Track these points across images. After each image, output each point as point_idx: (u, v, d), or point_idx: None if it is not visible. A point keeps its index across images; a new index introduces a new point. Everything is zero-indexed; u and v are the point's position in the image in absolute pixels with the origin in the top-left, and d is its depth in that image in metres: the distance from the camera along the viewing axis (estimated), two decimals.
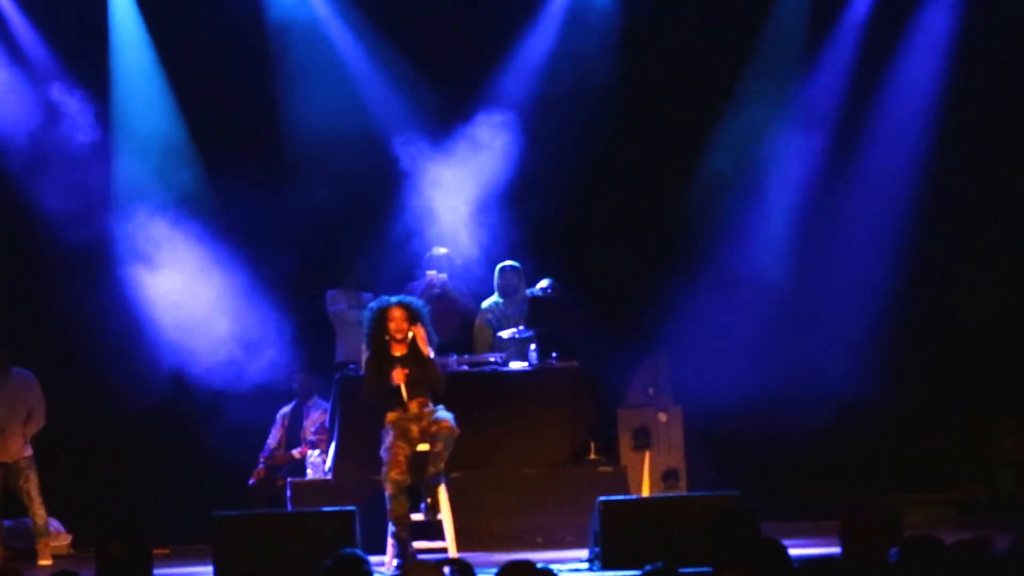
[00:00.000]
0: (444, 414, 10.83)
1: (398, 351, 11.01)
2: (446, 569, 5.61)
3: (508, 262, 13.18)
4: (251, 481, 13.06)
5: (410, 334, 10.98)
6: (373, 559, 10.18)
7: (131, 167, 13.95)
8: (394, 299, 11.14)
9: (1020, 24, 13.90)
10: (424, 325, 11.03)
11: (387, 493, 10.60)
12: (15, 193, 13.62)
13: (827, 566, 6.71)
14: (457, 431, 10.77)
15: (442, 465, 10.78)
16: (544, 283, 12.90)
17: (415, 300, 11.27)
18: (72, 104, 13.58)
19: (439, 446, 10.73)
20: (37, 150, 13.55)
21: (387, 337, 10.99)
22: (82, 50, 14.00)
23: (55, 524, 13.20)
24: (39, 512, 12.67)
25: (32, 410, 12.68)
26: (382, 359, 10.98)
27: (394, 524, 10.52)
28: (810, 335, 14.03)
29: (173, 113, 14.22)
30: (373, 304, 11.24)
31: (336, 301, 13.45)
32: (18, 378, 12.72)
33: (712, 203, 14.26)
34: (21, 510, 12.87)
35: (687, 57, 14.30)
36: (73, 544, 13.30)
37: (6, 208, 13.79)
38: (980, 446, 14.00)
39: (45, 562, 12.54)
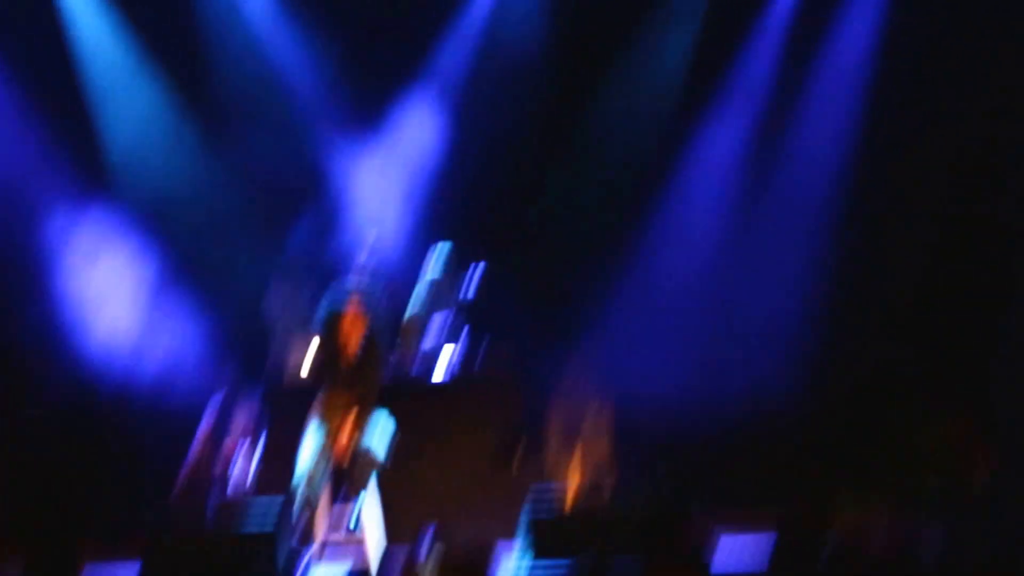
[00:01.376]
0: (371, 444, 10.69)
1: (351, 346, 10.82)
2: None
3: (441, 244, 13.06)
4: (174, 494, 12.91)
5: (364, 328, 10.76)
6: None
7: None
8: (350, 289, 10.98)
9: (947, 8, 13.90)
10: (376, 323, 10.83)
11: (294, 506, 10.52)
12: None
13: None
14: (382, 463, 10.64)
15: (365, 487, 10.67)
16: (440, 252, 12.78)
17: (370, 297, 11.03)
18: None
19: (364, 472, 10.61)
20: None
21: (338, 336, 10.79)
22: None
23: None
24: None
25: None
26: (331, 350, 10.77)
27: (293, 535, 10.42)
28: (739, 326, 14.02)
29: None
30: (329, 295, 10.99)
31: (270, 299, 13.32)
32: None
33: (644, 192, 14.20)
34: None
35: (624, 36, 14.23)
36: None
37: None
38: (908, 441, 14.02)
39: None
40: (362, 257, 13.20)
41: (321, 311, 10.83)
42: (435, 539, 5.48)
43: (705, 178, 14.21)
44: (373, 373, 10.77)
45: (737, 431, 13.86)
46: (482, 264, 12.87)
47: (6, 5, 13.69)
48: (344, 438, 10.60)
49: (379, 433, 10.69)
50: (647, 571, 6.01)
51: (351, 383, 10.71)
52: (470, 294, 12.74)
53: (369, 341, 10.71)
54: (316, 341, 10.99)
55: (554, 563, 9.70)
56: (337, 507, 10.76)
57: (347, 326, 10.67)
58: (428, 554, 5.51)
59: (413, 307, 13.05)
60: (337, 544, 10.72)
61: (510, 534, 10.94)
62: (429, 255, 13.06)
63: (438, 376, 12.37)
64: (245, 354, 13.42)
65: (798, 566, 6.58)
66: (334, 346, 10.73)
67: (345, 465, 10.68)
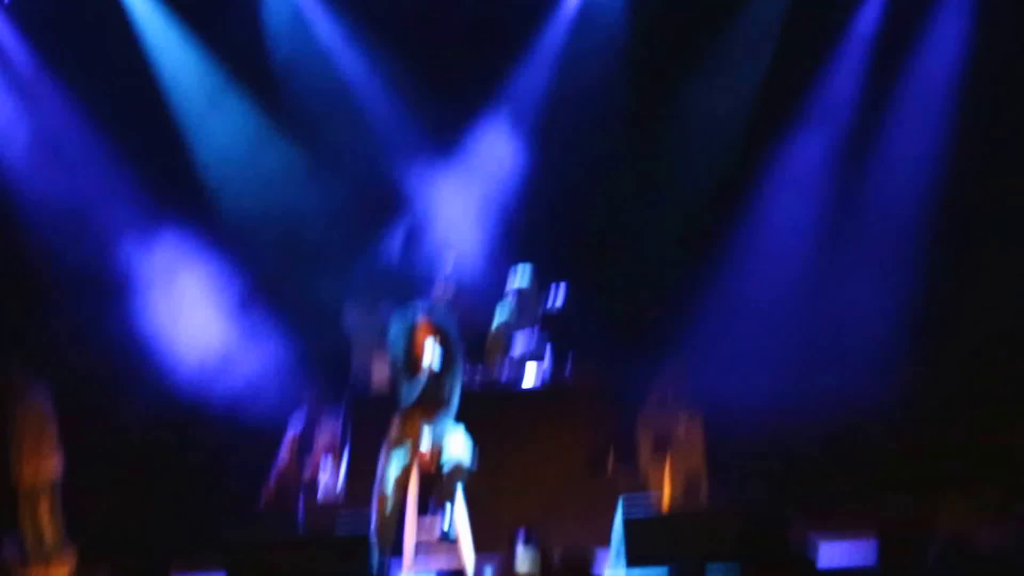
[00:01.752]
0: (456, 451, 10.51)
1: (419, 365, 10.64)
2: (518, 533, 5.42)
3: (522, 265, 12.94)
4: (261, 501, 12.83)
5: (435, 348, 10.63)
6: None
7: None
8: (421, 309, 10.78)
9: None
10: (451, 335, 10.68)
11: (373, 522, 10.37)
12: (17, 210, 13.43)
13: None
14: (471, 470, 10.50)
15: (453, 498, 10.52)
16: (561, 289, 12.62)
17: (442, 309, 10.89)
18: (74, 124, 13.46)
19: (452, 485, 10.47)
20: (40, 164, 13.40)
21: (413, 352, 10.65)
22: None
23: None
24: (46, 532, 12.54)
25: (31, 435, 12.56)
26: (408, 373, 10.64)
27: (376, 547, 10.24)
28: (829, 336, 13.84)
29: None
30: (399, 315, 10.83)
31: (350, 313, 13.26)
32: (24, 405, 12.60)
33: (726, 206, 14.05)
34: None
35: (699, 55, 14.11)
36: (81, 561, 13.05)
37: (9, 229, 13.59)
38: (1004, 443, 13.82)
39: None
40: (441, 276, 13.10)
41: (394, 328, 10.70)
42: (530, 544, 5.32)
43: (793, 186, 14.06)
44: (450, 386, 10.60)
45: (833, 436, 13.67)
46: (564, 283, 12.71)
47: (90, 34, 13.74)
48: (426, 449, 10.44)
49: (462, 443, 10.52)
50: None
51: (428, 397, 10.51)
52: (553, 311, 12.61)
53: (445, 355, 10.56)
54: (388, 357, 10.85)
55: (650, 571, 9.50)
56: (427, 518, 10.59)
57: (419, 342, 10.53)
58: (524, 560, 5.34)
59: (497, 322, 12.91)
60: (429, 549, 10.55)
61: (604, 541, 10.75)
62: (511, 274, 12.94)
63: (527, 386, 12.21)
64: (330, 366, 13.35)
65: (905, 567, 6.36)
66: (407, 362, 10.57)
67: (431, 474, 10.50)
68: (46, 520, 12.65)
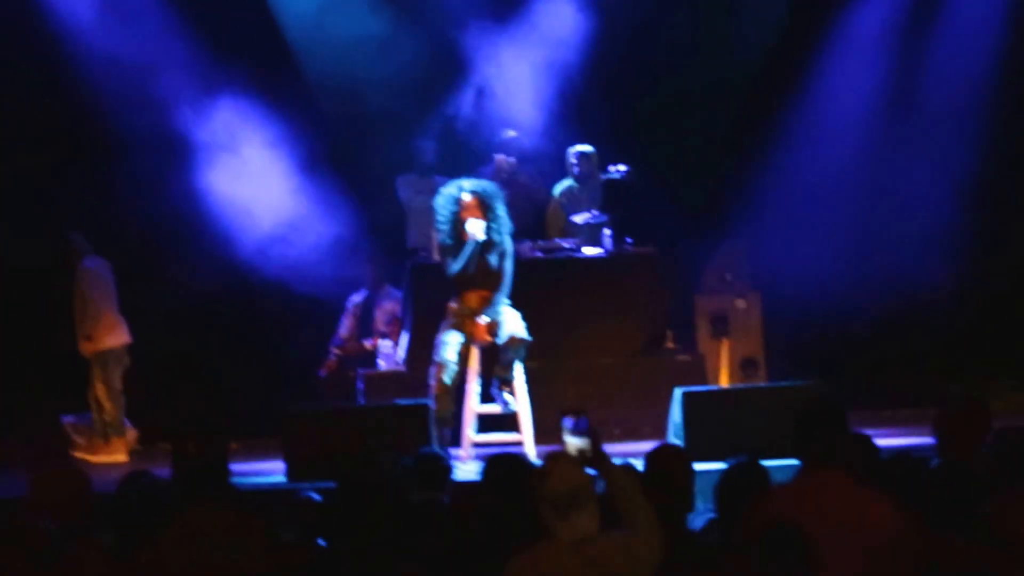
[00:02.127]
0: (512, 324, 10.49)
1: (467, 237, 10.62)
2: (568, 420, 5.40)
3: (581, 146, 12.85)
4: (321, 373, 12.89)
5: (483, 222, 10.59)
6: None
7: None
8: (467, 186, 10.74)
9: None
10: (497, 212, 10.65)
11: (432, 393, 10.40)
12: (81, 75, 13.39)
13: (915, 459, 6.53)
14: (527, 340, 10.49)
15: (513, 374, 10.54)
16: (621, 167, 12.52)
17: (489, 186, 10.86)
18: None
19: (509, 356, 10.49)
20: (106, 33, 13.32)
21: (461, 225, 10.63)
22: None
23: None
24: (105, 407, 12.64)
25: (86, 303, 12.60)
26: (456, 249, 10.64)
27: (433, 424, 10.26)
28: (890, 221, 13.70)
29: None
30: (445, 190, 10.79)
31: (405, 187, 13.24)
32: (81, 272, 12.64)
33: (793, 86, 13.88)
34: (85, 405, 12.81)
35: None
36: (140, 440, 13.17)
37: (72, 94, 13.56)
38: None
39: (110, 458, 12.49)
40: (501, 151, 13.02)
41: (440, 203, 10.64)
42: (579, 431, 5.31)
43: (853, 60, 13.79)
44: (501, 262, 10.58)
45: (892, 319, 13.60)
46: (622, 164, 12.57)
47: None
48: (483, 323, 10.44)
49: (518, 317, 10.52)
50: (804, 465, 5.78)
51: (482, 274, 10.52)
52: (613, 188, 12.49)
53: (493, 232, 10.51)
54: (437, 235, 10.80)
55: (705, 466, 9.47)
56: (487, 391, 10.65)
57: (464, 218, 10.48)
58: (572, 447, 5.32)
59: (556, 199, 12.86)
60: (489, 422, 10.60)
61: (659, 420, 10.78)
62: (569, 155, 12.85)
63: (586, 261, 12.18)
64: (393, 237, 13.35)
65: (960, 455, 6.33)
66: (452, 236, 10.53)
67: (490, 347, 10.53)
68: (100, 395, 12.66)
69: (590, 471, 5.27)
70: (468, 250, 10.49)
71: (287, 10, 13.88)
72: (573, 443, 5.36)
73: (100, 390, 12.63)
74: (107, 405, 12.64)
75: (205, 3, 13.51)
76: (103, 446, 12.61)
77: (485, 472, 6.41)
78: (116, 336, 12.69)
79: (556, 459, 5.28)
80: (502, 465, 6.38)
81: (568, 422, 5.41)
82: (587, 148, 12.84)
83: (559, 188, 12.89)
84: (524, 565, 5.20)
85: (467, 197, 10.58)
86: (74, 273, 12.70)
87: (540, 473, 5.25)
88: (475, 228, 10.47)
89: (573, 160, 12.82)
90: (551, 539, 5.17)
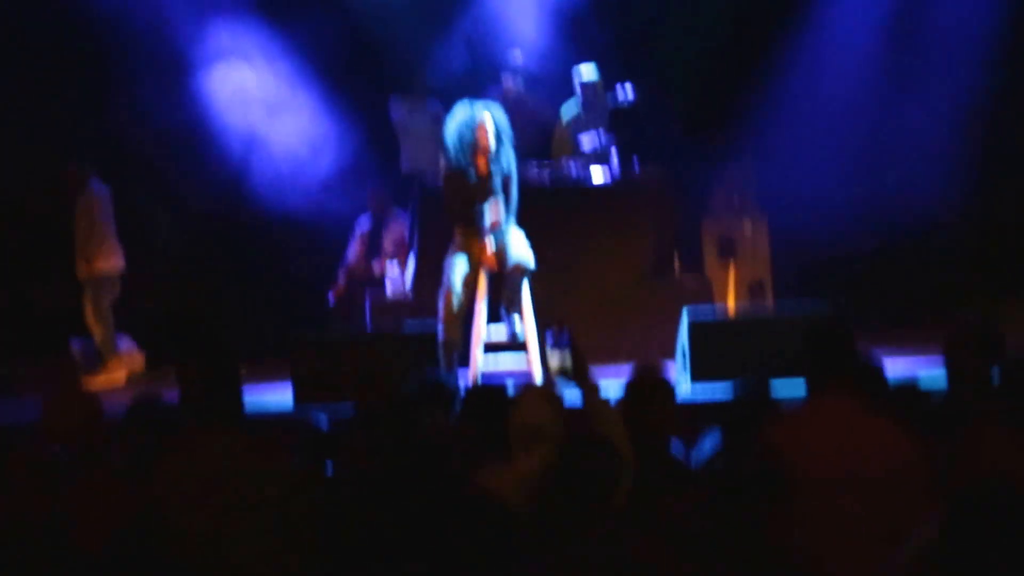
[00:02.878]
0: (518, 251, 10.44)
1: (482, 163, 10.50)
2: (549, 332, 5.41)
3: (585, 68, 12.76)
4: (330, 297, 12.90)
5: (494, 146, 10.51)
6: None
7: None
8: (482, 108, 10.53)
9: None
10: (507, 136, 10.56)
11: (440, 318, 10.34)
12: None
13: (923, 391, 6.53)
14: (532, 267, 10.46)
15: (520, 299, 10.52)
16: (628, 89, 12.43)
17: (499, 110, 10.69)
18: None
19: (514, 282, 10.45)
20: None
21: (475, 149, 10.47)
22: None
23: (127, 343, 13.13)
24: (94, 330, 12.64)
25: (91, 226, 12.59)
26: (467, 173, 10.55)
27: (441, 349, 10.26)
28: (898, 143, 13.65)
29: None
30: (460, 113, 10.52)
31: (398, 108, 13.14)
32: (85, 196, 12.61)
33: (799, 8, 13.79)
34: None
35: None
36: (148, 363, 13.21)
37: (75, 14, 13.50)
38: None
39: (108, 383, 12.49)
40: (507, 72, 12.96)
41: (452, 124, 10.52)
42: (560, 344, 5.30)
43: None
44: (508, 189, 10.52)
45: (901, 242, 13.58)
46: (629, 81, 12.50)
47: None
48: (490, 250, 10.39)
49: (524, 243, 10.47)
50: (812, 390, 5.77)
51: (487, 199, 10.46)
52: (620, 109, 12.43)
53: (503, 156, 10.45)
54: (444, 153, 10.69)
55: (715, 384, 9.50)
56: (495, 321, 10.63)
57: (478, 139, 10.39)
58: (554, 359, 5.32)
59: (563, 120, 12.79)
60: (497, 350, 10.58)
61: (667, 344, 10.79)
62: (576, 71, 12.76)
63: (592, 184, 12.11)
64: (398, 164, 13.31)
65: (970, 381, 6.31)
66: (466, 159, 10.45)
67: (497, 274, 10.48)
68: (89, 318, 12.63)
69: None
70: (478, 181, 10.43)
71: None
72: (554, 357, 5.36)
73: (89, 312, 12.60)
74: (96, 328, 12.61)
75: None
76: (99, 368, 12.64)
77: (464, 401, 6.42)
78: (113, 261, 12.65)
79: (527, 392, 5.29)
80: (481, 395, 6.37)
81: (550, 335, 5.41)
82: (590, 75, 12.72)
83: (566, 109, 12.81)
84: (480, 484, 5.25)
85: (484, 123, 10.42)
86: (76, 197, 12.66)
87: (511, 403, 5.27)
88: (487, 154, 10.40)
89: (577, 89, 12.74)
90: (507, 465, 5.21)
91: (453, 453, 5.95)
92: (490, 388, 6.47)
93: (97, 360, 12.69)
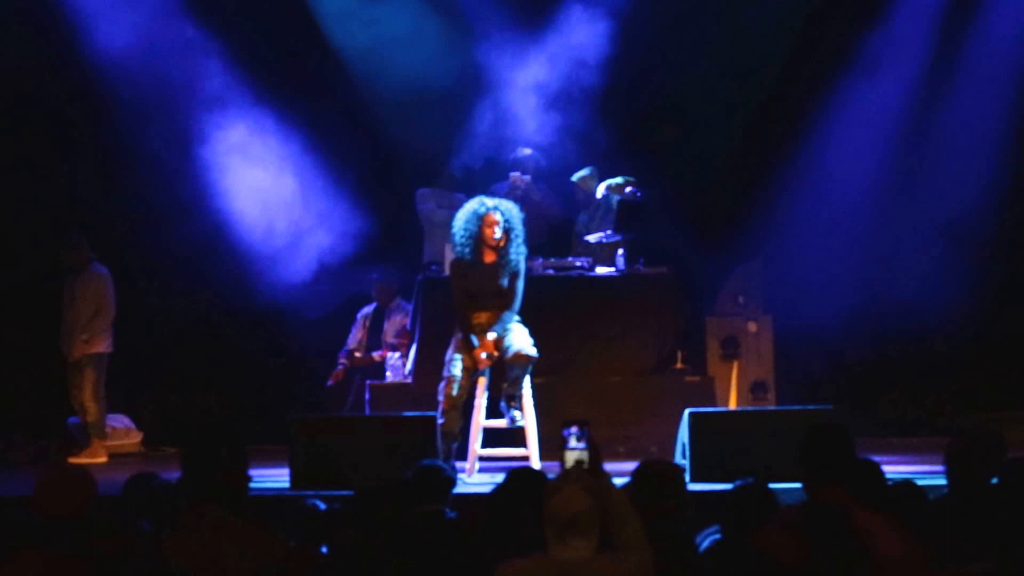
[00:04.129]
0: (519, 341, 10.43)
1: (489, 257, 10.57)
2: (571, 429, 5.39)
3: (579, 173, 12.88)
4: (329, 382, 12.90)
5: (502, 242, 10.56)
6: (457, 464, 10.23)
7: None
8: (491, 203, 10.64)
9: None
10: (516, 233, 10.60)
11: (440, 407, 10.35)
12: (98, 82, 13.39)
13: (921, 488, 6.51)
14: (534, 356, 10.45)
15: (520, 390, 10.52)
16: (618, 180, 12.53)
17: (512, 206, 10.80)
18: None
19: (516, 372, 10.43)
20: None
21: (480, 242, 10.57)
22: None
23: (124, 421, 13.12)
24: (89, 409, 12.61)
25: (99, 307, 12.61)
26: (471, 264, 10.61)
27: (440, 437, 10.23)
28: (906, 248, 13.67)
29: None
30: (468, 206, 10.67)
31: (426, 200, 13.22)
32: (92, 275, 12.66)
33: (808, 111, 13.85)
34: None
35: None
36: (144, 442, 13.16)
37: (89, 100, 13.57)
38: None
39: (91, 460, 12.39)
40: (516, 168, 13.03)
41: (460, 218, 10.60)
42: (581, 443, 5.30)
43: (868, 86, 13.73)
44: (514, 283, 10.54)
45: (905, 347, 13.57)
46: (636, 181, 12.56)
47: None
48: (491, 338, 10.40)
49: (526, 333, 10.49)
50: (808, 490, 5.76)
51: (493, 291, 10.49)
52: (628, 207, 12.48)
53: (509, 249, 10.49)
54: (451, 254, 10.76)
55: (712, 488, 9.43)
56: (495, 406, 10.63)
57: (484, 234, 10.45)
58: (571, 459, 5.31)
59: (571, 221, 12.90)
60: (495, 437, 10.57)
61: (667, 439, 10.75)
62: (585, 174, 12.88)
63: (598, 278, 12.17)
64: (403, 250, 13.34)
65: (970, 486, 6.29)
66: (472, 252, 10.50)
67: (498, 361, 10.48)
68: (87, 397, 12.59)
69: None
70: (485, 273, 10.47)
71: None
72: (572, 454, 5.35)
73: (88, 392, 12.58)
74: (92, 407, 12.59)
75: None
76: (84, 448, 12.61)
77: (504, 483, 6.39)
78: (109, 342, 12.69)
79: (565, 480, 5.28)
80: (522, 478, 6.35)
81: (569, 433, 5.41)
82: (582, 172, 12.85)
83: (575, 202, 12.94)
84: (510, 574, 5.21)
85: (491, 215, 10.51)
86: (76, 277, 12.69)
87: (547, 491, 5.25)
88: (493, 247, 10.45)
89: (587, 174, 12.88)
90: (544, 554, 5.18)
91: (484, 538, 5.94)
92: (530, 472, 6.45)
93: (85, 440, 12.71)
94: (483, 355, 10.38)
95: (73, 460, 12.20)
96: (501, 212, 10.51)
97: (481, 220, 10.48)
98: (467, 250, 10.50)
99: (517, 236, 10.52)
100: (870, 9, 13.72)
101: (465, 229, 10.53)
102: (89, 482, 6.16)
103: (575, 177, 13.09)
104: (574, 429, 5.38)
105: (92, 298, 12.60)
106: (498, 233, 10.44)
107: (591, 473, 5.31)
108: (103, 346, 12.64)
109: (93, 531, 5.83)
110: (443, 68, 13.45)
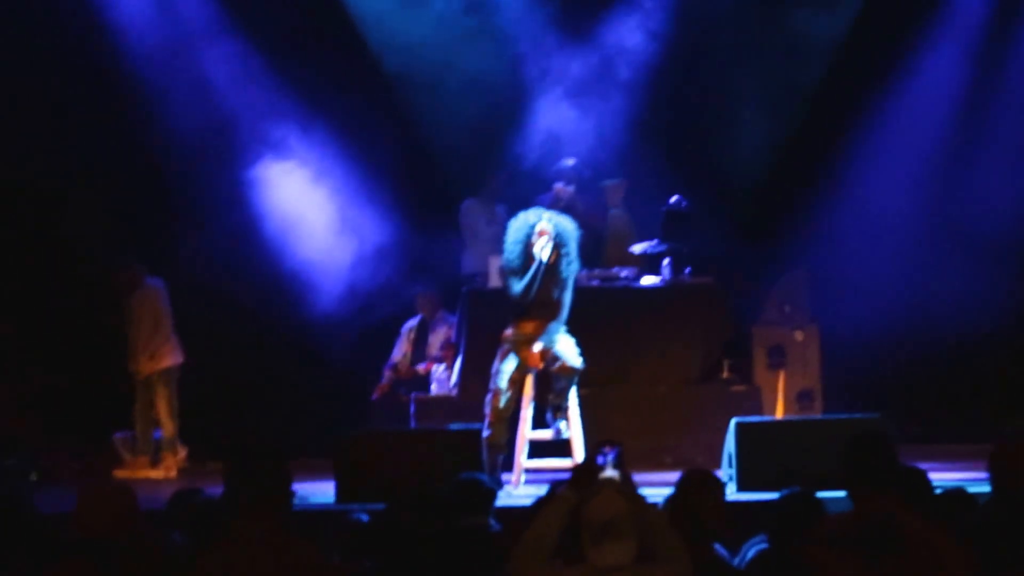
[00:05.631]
0: (566, 352, 10.42)
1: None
2: (605, 455, 5.37)
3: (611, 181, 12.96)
4: (374, 396, 12.90)
5: (552, 258, 10.53)
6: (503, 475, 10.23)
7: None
8: (548, 216, 10.64)
9: None
10: (570, 247, 10.58)
11: (487, 419, 10.36)
12: (144, 107, 13.47)
13: (968, 495, 6.45)
14: (580, 368, 10.42)
15: (566, 401, 10.50)
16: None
17: (568, 222, 10.73)
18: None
19: (562, 384, 10.43)
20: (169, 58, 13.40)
21: (529, 252, 10.50)
22: None
23: None
24: (166, 425, 12.74)
25: (157, 321, 12.73)
26: (519, 270, 10.57)
27: (486, 449, 10.23)
28: (955, 254, 13.54)
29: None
30: (525, 215, 10.64)
31: (471, 212, 13.21)
32: (147, 291, 12.77)
33: (854, 119, 13.78)
34: (130, 423, 12.97)
35: None
36: (189, 457, 13.21)
37: (135, 128, 13.64)
38: None
39: (164, 475, 12.56)
40: (561, 180, 13.00)
41: (512, 229, 10.59)
42: (611, 466, 5.28)
43: (923, 92, 13.67)
44: (562, 292, 10.52)
45: (953, 357, 13.46)
46: (680, 198, 12.51)
47: None
48: (538, 349, 10.38)
49: (572, 345, 10.46)
50: (856, 498, 5.72)
51: (542, 302, 10.46)
52: (674, 216, 12.44)
53: (559, 261, 10.46)
54: (503, 257, 10.74)
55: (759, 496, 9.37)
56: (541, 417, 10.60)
57: (535, 245, 10.43)
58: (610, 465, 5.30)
59: (614, 228, 12.85)
60: (542, 449, 10.55)
61: (713, 450, 10.71)
62: (615, 183, 12.92)
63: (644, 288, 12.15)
64: (448, 264, 13.34)
65: (1017, 492, 6.22)
66: (521, 264, 10.48)
67: (544, 373, 10.47)
68: (162, 413, 12.81)
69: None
70: (532, 271, 10.44)
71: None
72: (605, 475, 5.33)
73: (163, 408, 12.79)
74: (169, 423, 12.84)
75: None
76: (149, 463, 12.72)
77: (547, 495, 6.37)
78: (177, 355, 12.85)
79: (602, 486, 5.25)
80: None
81: (603, 460, 5.39)
82: (611, 181, 12.88)
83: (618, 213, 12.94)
84: None
85: (545, 225, 10.51)
86: (131, 296, 12.78)
87: (585, 498, 5.23)
88: (542, 250, 10.42)
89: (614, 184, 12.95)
90: (583, 563, 5.15)
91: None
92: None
93: (136, 453, 12.79)
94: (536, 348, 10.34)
95: (141, 474, 12.38)
96: (555, 226, 10.50)
97: (535, 231, 10.48)
98: (517, 259, 10.50)
99: (568, 252, 10.52)
100: (913, 22, 13.64)
101: (517, 238, 10.55)
102: (130, 498, 6.16)
103: (605, 183, 13.06)
104: (609, 455, 5.36)
105: (149, 314, 12.80)
106: (548, 247, 10.40)
107: (624, 492, 5.28)
108: (169, 360, 12.84)
109: (133, 547, 5.84)
110: (486, 78, 13.47)
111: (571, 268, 10.55)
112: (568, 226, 10.60)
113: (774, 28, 13.82)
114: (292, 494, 5.69)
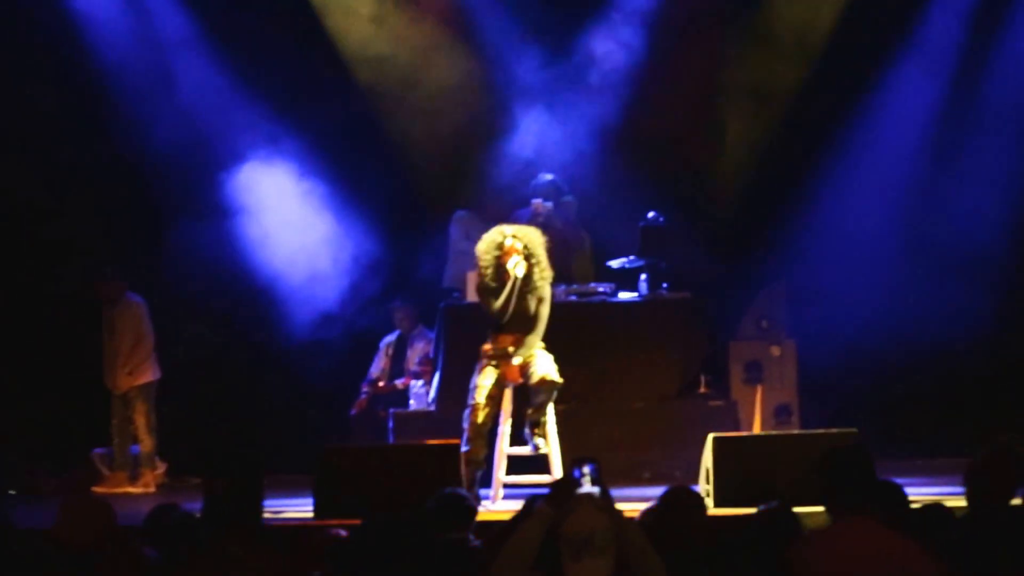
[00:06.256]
0: (544, 367, 10.42)
1: (508, 284, 10.58)
2: (584, 469, 5.37)
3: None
4: (352, 411, 12.92)
5: (522, 270, 10.54)
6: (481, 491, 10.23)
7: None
8: (510, 231, 10.61)
9: None
10: (540, 258, 10.59)
11: (465, 435, 10.33)
12: (126, 128, 13.47)
13: (945, 509, 6.48)
14: (559, 382, 10.42)
15: (543, 416, 10.50)
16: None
17: (533, 232, 10.68)
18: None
19: (540, 398, 10.44)
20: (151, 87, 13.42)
21: (502, 269, 10.48)
22: None
23: None
24: (144, 440, 12.73)
25: (139, 337, 12.72)
26: (495, 291, 10.58)
27: (465, 465, 10.18)
28: (931, 269, 13.59)
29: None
30: (488, 235, 10.61)
31: (459, 225, 13.17)
32: (128, 306, 12.75)
33: (831, 134, 13.83)
34: (108, 439, 12.96)
35: None
36: (168, 473, 13.19)
37: (121, 146, 13.64)
38: None
39: (143, 490, 12.57)
40: (538, 196, 13.02)
41: (483, 244, 10.59)
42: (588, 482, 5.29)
43: (897, 110, 13.73)
44: (538, 306, 10.52)
45: (929, 371, 13.51)
46: (656, 214, 12.55)
47: None
48: (516, 364, 10.38)
49: (550, 360, 10.46)
50: (833, 513, 5.75)
51: (519, 316, 10.46)
52: (651, 231, 12.47)
53: (533, 276, 10.46)
54: (476, 278, 10.75)
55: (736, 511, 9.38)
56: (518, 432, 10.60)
57: (506, 260, 10.43)
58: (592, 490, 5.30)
59: (591, 242, 12.89)
60: (520, 464, 10.54)
61: (691, 464, 10.71)
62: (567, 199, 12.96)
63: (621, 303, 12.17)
64: (425, 277, 13.36)
65: (995, 506, 6.25)
66: (494, 278, 10.49)
67: (522, 387, 10.47)
68: (140, 428, 12.80)
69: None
70: (508, 288, 10.43)
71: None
72: (583, 491, 5.33)
73: (141, 424, 12.77)
74: (147, 439, 12.81)
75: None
76: (127, 478, 12.70)
77: (523, 510, 6.38)
78: (156, 371, 12.83)
79: (580, 501, 5.25)
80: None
81: (579, 473, 5.38)
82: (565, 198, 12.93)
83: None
84: None
85: (511, 242, 10.51)
86: (112, 310, 12.77)
87: (563, 512, 5.23)
88: (515, 267, 10.42)
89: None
90: None
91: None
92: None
93: (115, 468, 12.77)
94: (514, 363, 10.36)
95: (120, 490, 12.37)
96: (520, 239, 10.50)
97: (501, 248, 10.49)
98: (491, 279, 10.49)
99: (539, 261, 10.50)
100: (888, 41, 13.70)
101: (487, 258, 10.53)
102: (108, 513, 6.17)
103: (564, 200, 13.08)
104: (587, 470, 5.36)
105: (130, 329, 12.77)
106: (519, 263, 10.39)
107: (603, 507, 5.28)
108: (148, 375, 12.83)
109: (111, 562, 5.84)
110: (460, 90, 13.50)
111: (544, 274, 10.54)
112: (532, 236, 10.57)
113: (753, 45, 13.88)
114: (261, 509, 5.69)
